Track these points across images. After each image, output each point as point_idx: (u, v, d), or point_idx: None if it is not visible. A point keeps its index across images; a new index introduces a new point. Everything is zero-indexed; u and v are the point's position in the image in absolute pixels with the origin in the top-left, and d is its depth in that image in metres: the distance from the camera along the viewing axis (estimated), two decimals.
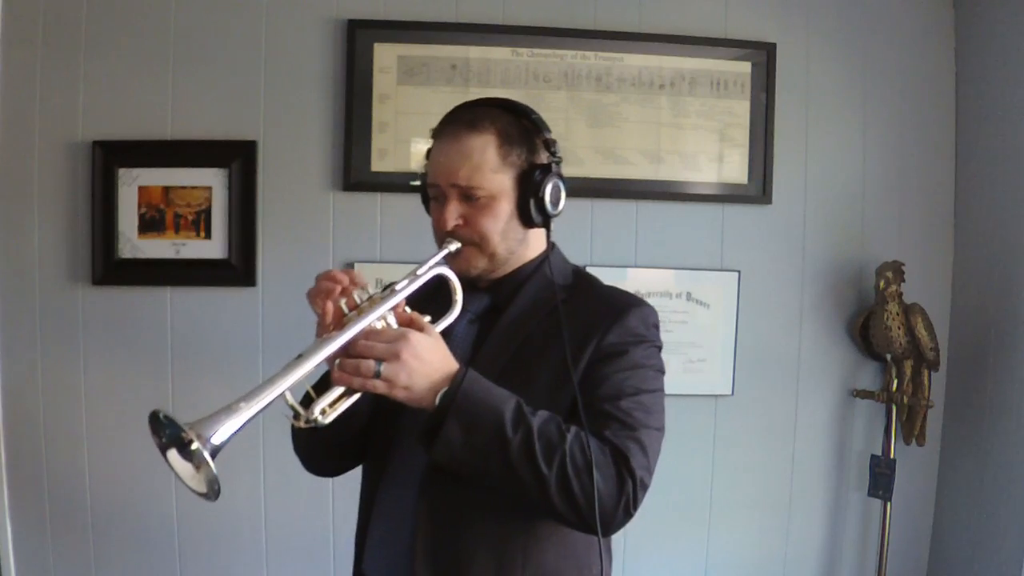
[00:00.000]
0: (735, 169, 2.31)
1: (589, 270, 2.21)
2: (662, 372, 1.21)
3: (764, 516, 2.36)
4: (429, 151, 1.24)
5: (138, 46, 2.17)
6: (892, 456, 2.26)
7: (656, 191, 2.29)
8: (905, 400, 2.25)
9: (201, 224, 2.19)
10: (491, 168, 1.17)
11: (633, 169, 2.27)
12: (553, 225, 1.25)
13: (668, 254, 2.30)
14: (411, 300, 1.13)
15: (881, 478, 2.26)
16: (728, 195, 2.31)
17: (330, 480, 2.16)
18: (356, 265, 2.20)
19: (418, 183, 1.29)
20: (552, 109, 2.24)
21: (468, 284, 1.20)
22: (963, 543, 2.28)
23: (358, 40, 2.19)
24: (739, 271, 2.31)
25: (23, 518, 2.19)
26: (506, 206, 1.19)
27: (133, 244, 2.18)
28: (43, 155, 2.17)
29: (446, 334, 1.12)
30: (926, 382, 2.27)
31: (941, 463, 2.39)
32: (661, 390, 1.20)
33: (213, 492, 0.93)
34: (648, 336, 1.20)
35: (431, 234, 1.25)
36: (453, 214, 1.18)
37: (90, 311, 2.19)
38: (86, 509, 2.20)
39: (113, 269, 2.17)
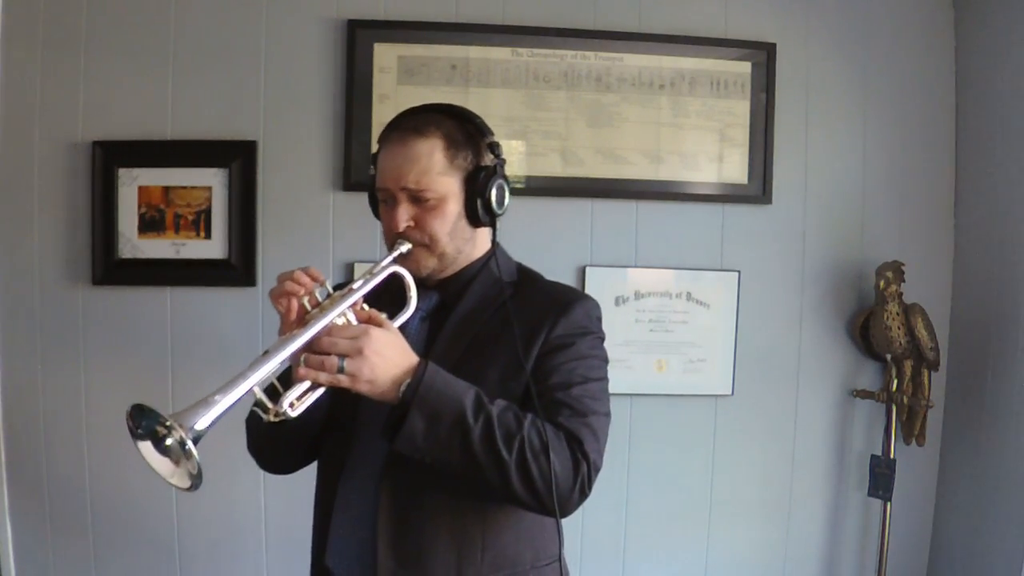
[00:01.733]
0: (735, 169, 2.31)
1: (589, 270, 2.25)
2: (606, 361, 1.28)
3: (764, 516, 2.36)
4: (375, 156, 1.28)
5: (138, 46, 2.17)
6: (892, 456, 2.26)
7: (656, 191, 2.29)
8: (905, 400, 2.25)
9: (201, 224, 2.19)
10: (439, 171, 1.22)
11: (633, 169, 2.27)
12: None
13: (668, 254, 2.30)
14: (366, 298, 1.17)
15: (881, 478, 2.27)
16: (728, 195, 2.31)
17: None
18: (356, 265, 2.20)
19: (369, 187, 1.33)
20: (552, 109, 2.24)
21: (418, 283, 1.24)
22: (963, 543, 2.28)
23: (358, 40, 2.19)
24: (739, 271, 2.31)
25: (23, 518, 2.19)
26: (454, 207, 1.24)
27: (133, 244, 2.18)
28: (43, 155, 2.17)
29: (400, 331, 1.16)
30: (926, 382, 2.27)
31: (941, 463, 2.39)
32: (606, 379, 1.26)
33: (197, 481, 0.96)
34: (592, 328, 1.27)
35: (386, 238, 1.28)
36: (403, 216, 1.23)
37: (90, 311, 2.19)
38: (86, 509, 2.20)
39: (113, 269, 2.17)
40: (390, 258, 1.22)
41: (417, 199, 1.22)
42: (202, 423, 0.95)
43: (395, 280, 1.21)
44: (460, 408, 1.08)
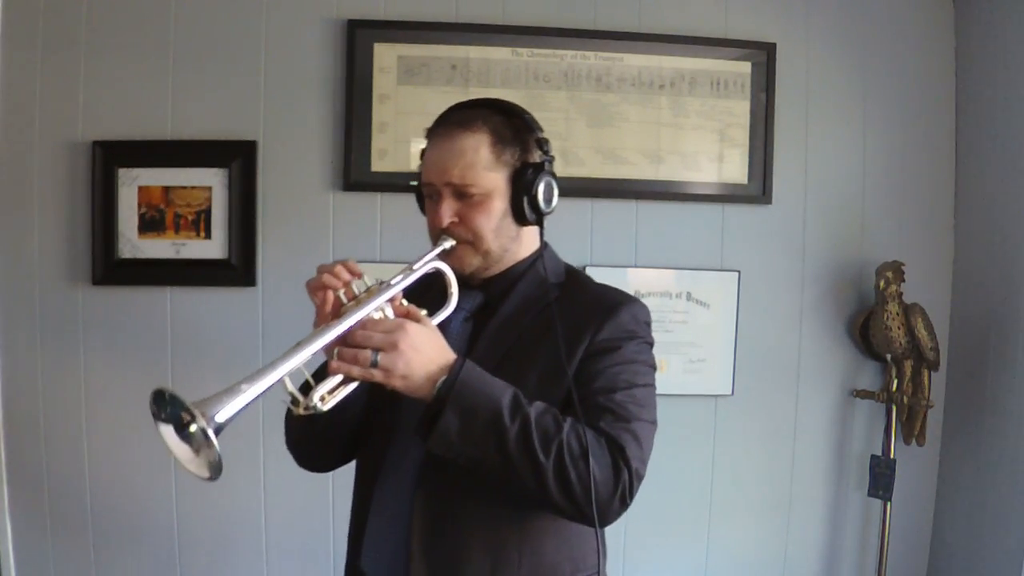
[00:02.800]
0: (735, 169, 2.31)
1: (589, 270, 2.24)
2: (654, 368, 1.24)
3: (764, 516, 2.36)
4: (423, 151, 1.26)
5: (138, 46, 2.17)
6: (892, 456, 2.26)
7: (656, 191, 2.29)
8: (905, 400, 2.25)
9: (201, 224, 2.19)
10: (484, 166, 1.19)
11: (633, 169, 2.27)
12: (551, 224, 1.27)
13: (668, 254, 2.30)
14: (406, 295, 1.15)
15: (881, 478, 2.26)
16: (728, 195, 2.31)
17: (330, 479, 2.16)
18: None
19: (416, 184, 1.30)
20: (552, 109, 2.24)
21: (461, 282, 1.22)
22: (963, 543, 2.28)
23: (358, 40, 2.19)
24: (739, 271, 2.31)
25: (23, 518, 2.19)
26: (500, 204, 1.21)
27: (133, 244, 2.18)
28: (43, 155, 2.17)
29: (442, 330, 1.14)
30: (926, 382, 2.27)
31: (941, 463, 2.39)
32: (653, 385, 1.22)
33: (215, 472, 0.94)
34: (639, 332, 1.22)
35: (431, 234, 1.26)
36: (448, 212, 1.20)
37: (90, 311, 2.19)
38: (86, 509, 2.20)
39: (113, 269, 2.17)
40: (433, 253, 1.19)
41: (462, 194, 1.19)
42: (225, 413, 0.93)
43: (438, 278, 1.18)
44: (496, 407, 1.05)
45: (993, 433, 2.18)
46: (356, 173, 2.20)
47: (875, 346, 2.28)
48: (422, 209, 1.29)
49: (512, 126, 1.22)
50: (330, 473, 1.39)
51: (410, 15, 2.21)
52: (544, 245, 1.28)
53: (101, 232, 2.16)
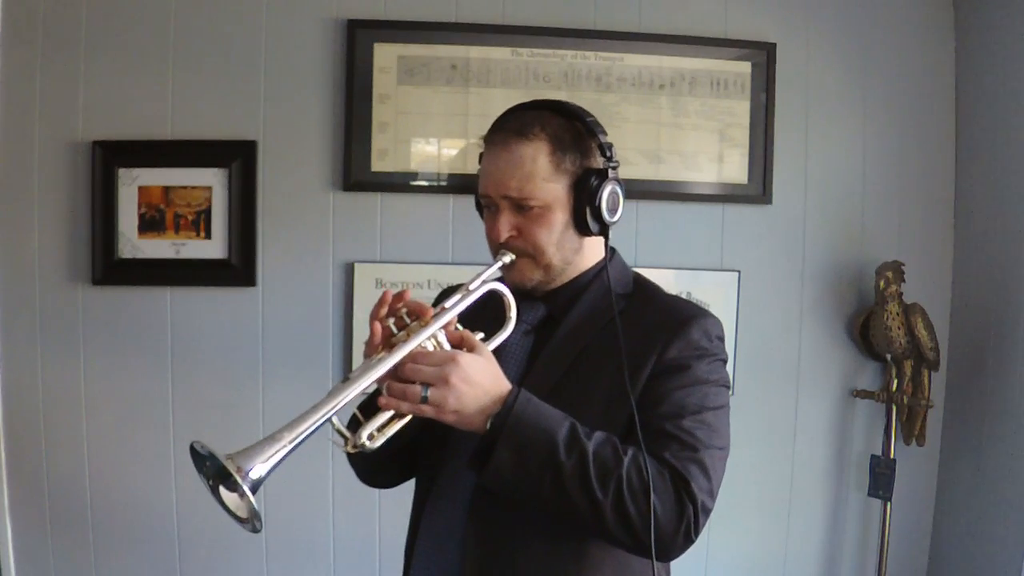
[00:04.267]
0: (735, 169, 2.31)
1: None
2: (727, 387, 1.17)
3: (764, 516, 2.36)
4: (481, 156, 1.20)
5: (138, 46, 2.17)
6: (892, 456, 2.26)
7: (656, 191, 2.28)
8: (905, 400, 2.25)
9: (201, 224, 2.19)
10: (543, 177, 1.13)
11: (633, 169, 2.27)
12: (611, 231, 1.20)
13: (668, 254, 2.30)
14: (464, 311, 1.10)
15: (881, 478, 2.26)
16: (728, 195, 2.31)
17: (330, 481, 2.17)
18: (356, 265, 2.20)
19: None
20: None
21: (524, 293, 1.17)
22: (963, 543, 2.28)
23: (358, 40, 2.19)
24: (739, 271, 2.31)
25: (23, 518, 2.19)
26: (560, 215, 1.15)
27: (133, 244, 2.18)
28: (43, 155, 2.17)
29: (500, 345, 1.10)
30: (926, 382, 2.27)
31: (941, 463, 2.39)
32: (726, 406, 1.15)
33: (253, 526, 0.92)
34: (712, 349, 1.15)
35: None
36: (505, 226, 1.15)
37: (90, 311, 2.19)
38: (86, 509, 2.20)
39: (113, 269, 2.17)
40: (492, 269, 1.14)
41: (520, 207, 1.13)
42: (261, 468, 0.90)
43: (500, 295, 1.13)
44: (552, 441, 1.00)
45: (993, 433, 2.18)
46: (356, 173, 2.20)
47: (875, 346, 2.28)
48: (481, 215, 1.23)
49: (572, 130, 1.15)
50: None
51: (410, 15, 2.21)
52: (611, 253, 1.22)
53: (101, 232, 2.16)
